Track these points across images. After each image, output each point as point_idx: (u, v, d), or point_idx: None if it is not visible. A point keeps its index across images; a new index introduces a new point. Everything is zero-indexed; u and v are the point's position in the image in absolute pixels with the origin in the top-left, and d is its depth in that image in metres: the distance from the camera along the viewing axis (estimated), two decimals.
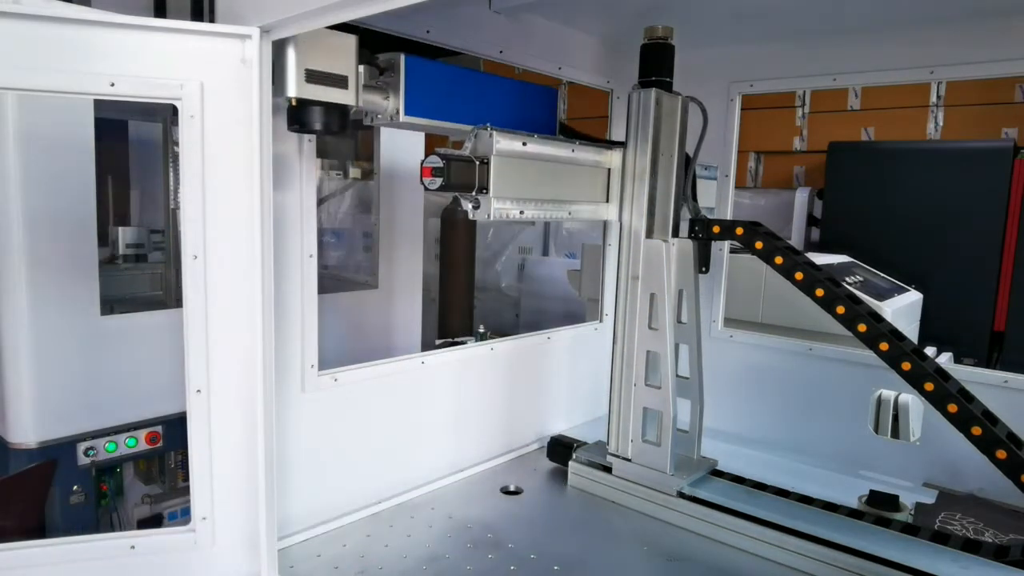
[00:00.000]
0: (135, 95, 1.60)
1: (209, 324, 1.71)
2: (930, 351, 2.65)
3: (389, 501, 2.34)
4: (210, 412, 1.74)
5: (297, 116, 1.87)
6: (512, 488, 2.50)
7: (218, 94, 1.64)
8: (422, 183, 1.98)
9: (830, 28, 2.67)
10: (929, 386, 1.88)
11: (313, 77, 1.80)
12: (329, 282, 3.93)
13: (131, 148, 4.34)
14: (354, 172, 4.55)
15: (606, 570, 2.00)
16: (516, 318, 5.69)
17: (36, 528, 2.54)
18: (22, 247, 2.35)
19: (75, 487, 2.58)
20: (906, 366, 1.92)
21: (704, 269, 2.41)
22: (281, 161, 1.94)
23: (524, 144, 2.15)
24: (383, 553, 2.04)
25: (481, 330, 3.96)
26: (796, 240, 5.32)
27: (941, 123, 5.20)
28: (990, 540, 2.21)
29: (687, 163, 2.39)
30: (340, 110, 1.90)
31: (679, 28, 2.33)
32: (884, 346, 1.96)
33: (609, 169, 2.46)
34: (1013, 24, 2.36)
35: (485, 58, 2.60)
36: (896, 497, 2.29)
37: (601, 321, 3.23)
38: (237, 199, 1.68)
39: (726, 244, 3.09)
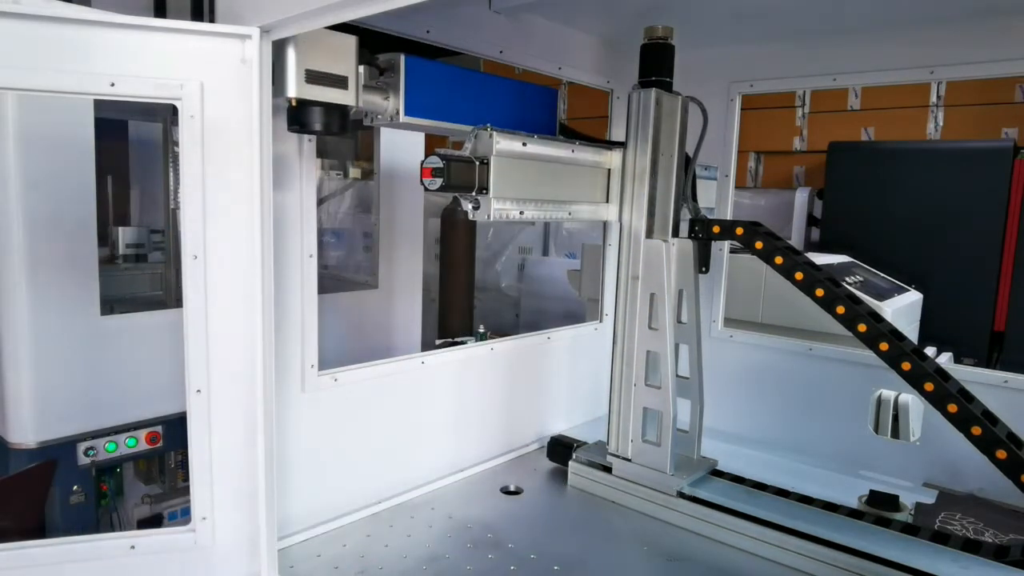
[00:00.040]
0: (135, 95, 1.60)
1: (209, 324, 1.71)
2: (930, 351, 2.64)
3: (389, 501, 2.35)
4: (210, 412, 1.74)
5: (297, 116, 1.87)
6: (512, 488, 2.50)
7: (218, 94, 1.64)
8: (422, 183, 1.98)
9: (830, 28, 2.67)
10: (929, 386, 1.88)
11: (313, 77, 1.80)
12: (329, 282, 3.93)
13: (131, 148, 4.34)
14: (354, 172, 4.56)
15: (606, 570, 2.00)
16: (516, 318, 5.69)
17: (36, 528, 2.54)
18: (22, 247, 2.35)
19: (75, 487, 2.58)
20: (906, 366, 1.92)
21: (704, 269, 2.41)
22: (281, 161, 1.94)
23: (524, 144, 2.15)
24: (383, 553, 2.04)
25: (481, 330, 3.96)
26: (796, 240, 5.32)
27: (941, 123, 5.20)
28: (990, 540, 2.21)
29: (687, 163, 2.40)
30: (340, 110, 1.90)
31: (679, 28, 2.34)
32: (884, 346, 1.96)
33: (609, 169, 2.46)
34: (1013, 24, 2.36)
35: (485, 58, 2.60)
36: (896, 497, 2.30)
37: (601, 321, 3.23)
38: (237, 199, 1.68)
39: (726, 244, 3.09)
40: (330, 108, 1.88)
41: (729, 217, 2.99)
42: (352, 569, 1.95)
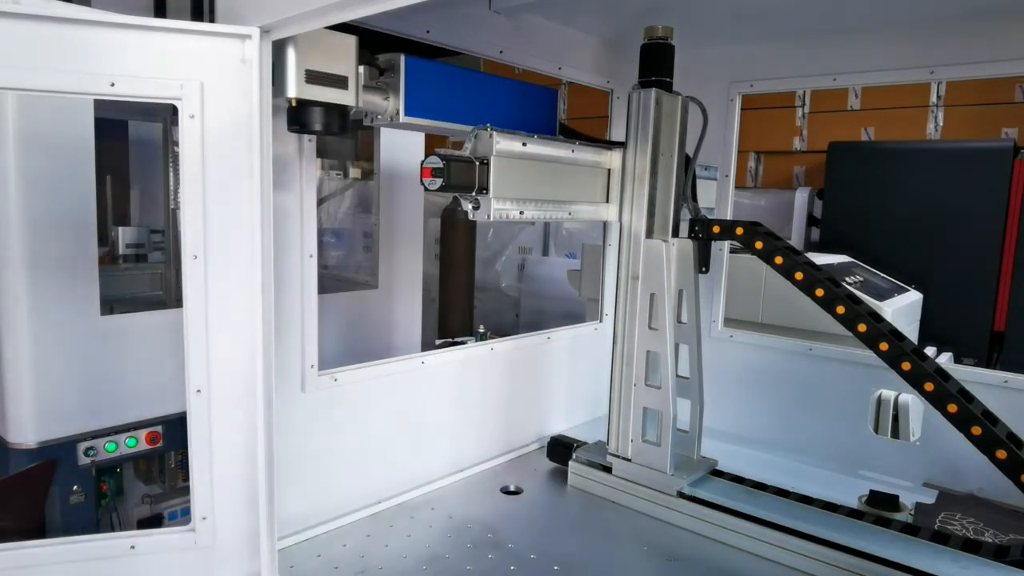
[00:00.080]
0: (135, 95, 1.60)
1: (209, 324, 1.71)
2: (930, 351, 2.65)
3: (389, 501, 2.35)
4: (210, 412, 1.74)
5: (297, 116, 1.87)
6: (512, 488, 2.50)
7: (218, 94, 1.64)
8: (422, 183, 1.98)
9: (830, 28, 2.67)
10: (929, 386, 1.88)
11: (313, 77, 1.80)
12: (329, 282, 3.93)
13: (131, 148, 4.33)
14: (354, 172, 4.56)
15: (606, 570, 2.00)
16: (516, 318, 5.69)
17: (36, 528, 2.54)
18: (22, 247, 2.35)
19: (75, 487, 2.58)
20: (906, 366, 1.92)
21: (704, 269, 2.41)
22: (281, 161, 1.95)
23: (524, 144, 2.15)
24: (383, 553, 2.04)
25: (481, 330, 3.96)
26: (796, 240, 5.32)
27: (941, 123, 5.20)
28: (990, 540, 2.21)
29: (687, 163, 2.39)
30: (340, 110, 1.90)
31: (679, 28, 2.34)
32: (884, 346, 1.96)
33: (609, 169, 2.46)
34: (1013, 24, 2.36)
35: (485, 58, 2.60)
36: (896, 497, 2.30)
37: (601, 321, 3.23)
38: (237, 199, 1.68)
39: (726, 244, 3.09)
40: (330, 108, 1.87)
41: (729, 217, 2.99)
42: (352, 569, 1.95)
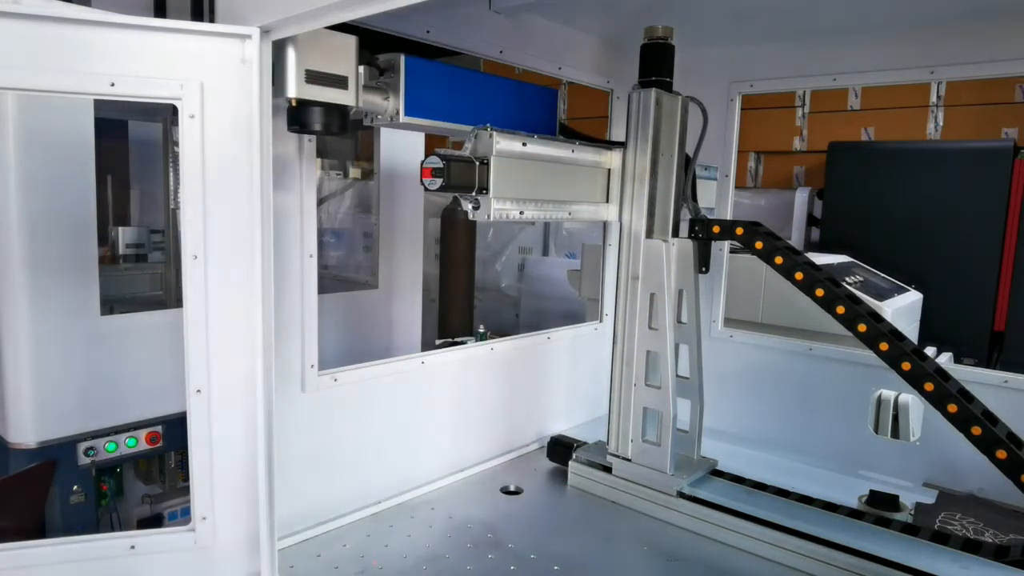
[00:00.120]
0: (135, 95, 1.60)
1: (209, 324, 1.71)
2: (930, 351, 2.64)
3: (389, 501, 2.35)
4: (210, 412, 1.74)
5: (297, 116, 1.87)
6: (512, 488, 2.50)
7: (218, 94, 1.64)
8: (422, 183, 1.98)
9: (830, 28, 2.67)
10: (929, 386, 1.88)
11: (313, 77, 1.80)
12: (329, 282, 3.93)
13: (131, 148, 4.33)
14: (354, 172, 4.55)
15: (606, 570, 2.00)
16: (516, 318, 5.69)
17: (36, 528, 2.54)
18: (22, 247, 2.34)
19: (75, 487, 2.58)
20: (906, 366, 1.92)
21: (704, 269, 2.41)
22: (281, 161, 1.94)
23: (524, 144, 2.15)
24: (383, 553, 2.04)
25: (481, 330, 3.96)
26: (796, 240, 5.32)
27: (941, 123, 5.20)
28: (990, 540, 2.21)
29: (687, 163, 2.40)
30: (340, 110, 1.90)
31: (679, 28, 2.34)
32: (884, 346, 1.96)
33: (609, 169, 2.46)
34: (1013, 24, 2.36)
35: (485, 58, 2.60)
36: (896, 497, 2.30)
37: (601, 321, 3.23)
38: (237, 199, 1.68)
39: (726, 244, 3.09)
40: (330, 108, 1.87)
41: (729, 217, 2.99)
42: (352, 569, 1.95)
